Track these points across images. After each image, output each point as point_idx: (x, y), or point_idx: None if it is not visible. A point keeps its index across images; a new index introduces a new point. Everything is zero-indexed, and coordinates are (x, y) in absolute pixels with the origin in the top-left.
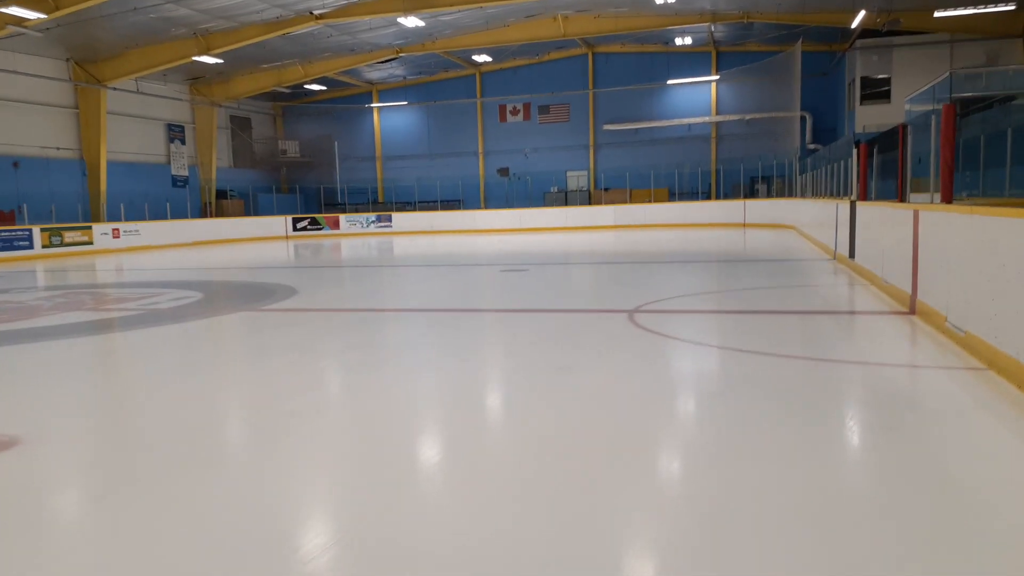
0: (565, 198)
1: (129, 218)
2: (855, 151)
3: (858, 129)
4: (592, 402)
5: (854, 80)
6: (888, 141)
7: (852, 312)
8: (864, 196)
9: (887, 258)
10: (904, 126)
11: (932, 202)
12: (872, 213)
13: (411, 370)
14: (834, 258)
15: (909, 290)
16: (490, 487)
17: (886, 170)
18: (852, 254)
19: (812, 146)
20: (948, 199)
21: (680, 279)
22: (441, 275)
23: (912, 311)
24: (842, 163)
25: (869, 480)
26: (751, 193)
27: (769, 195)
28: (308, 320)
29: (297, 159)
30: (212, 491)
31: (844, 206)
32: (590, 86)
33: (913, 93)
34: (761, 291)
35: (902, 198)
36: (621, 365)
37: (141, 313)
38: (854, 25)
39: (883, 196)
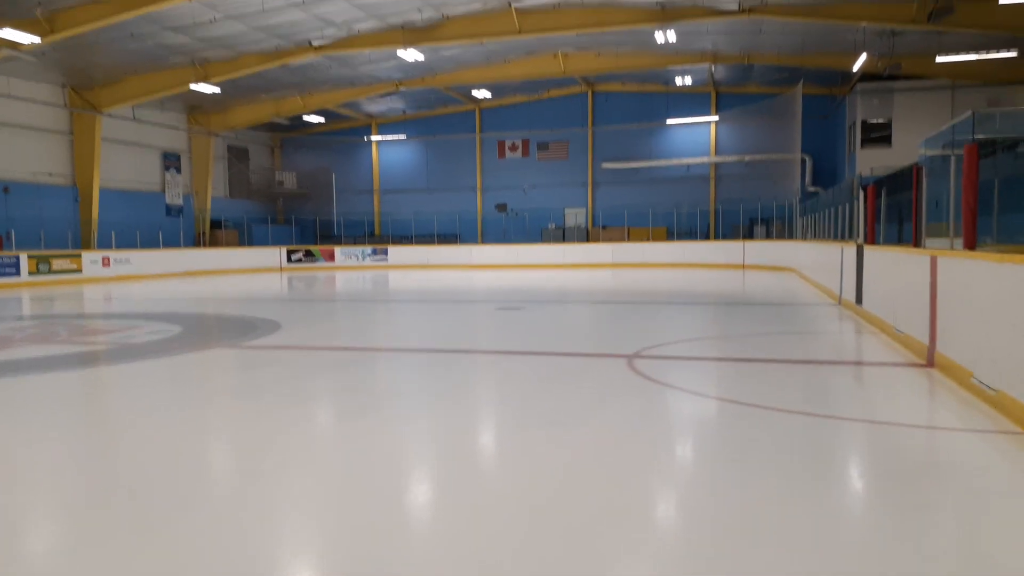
0: (563, 235)
1: (121, 246)
2: (862, 193)
3: (859, 172)
4: (584, 464)
5: (855, 123)
6: (897, 183)
7: (864, 363)
8: (872, 240)
9: (900, 306)
10: (919, 167)
11: (952, 248)
12: (882, 258)
13: (386, 421)
14: (839, 303)
15: (926, 341)
16: (466, 562)
17: (894, 213)
18: (859, 300)
19: (812, 188)
20: (971, 245)
21: (680, 322)
22: (433, 312)
23: (930, 364)
24: (847, 206)
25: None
26: (750, 234)
27: (768, 236)
28: (286, 359)
29: (294, 191)
30: (162, 551)
31: (850, 250)
32: (589, 124)
33: (920, 135)
34: (765, 337)
35: (916, 243)
36: (618, 420)
37: (112, 348)
38: (855, 68)
39: (891, 240)
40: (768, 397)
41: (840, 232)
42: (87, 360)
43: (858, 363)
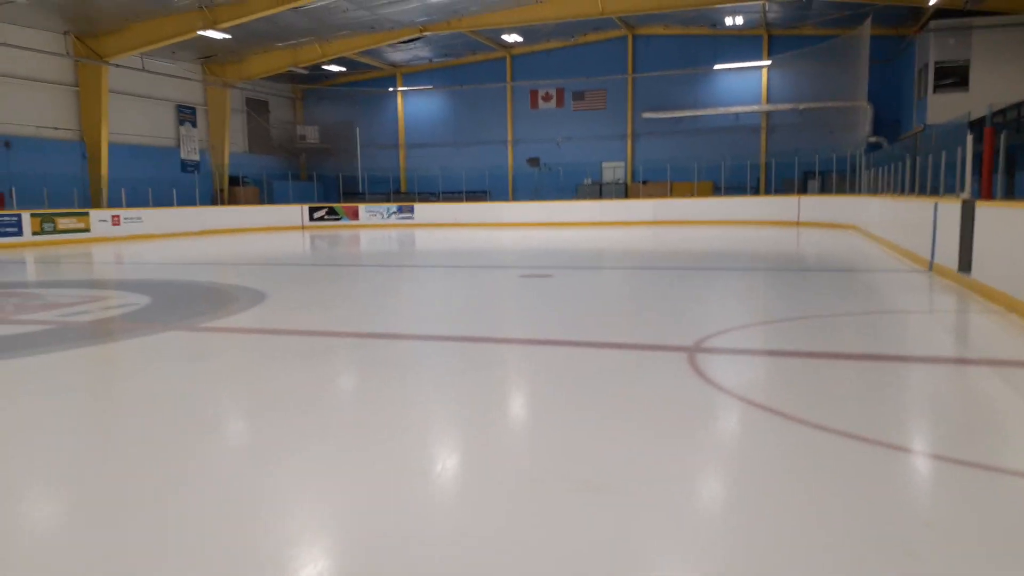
0: (600, 191)
1: (133, 204)
2: (969, 137)
3: (930, 120)
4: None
5: (926, 66)
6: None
7: (1008, 363)
8: (988, 194)
9: None
10: None
11: None
12: (1011, 218)
13: (329, 476)
14: (929, 270)
15: None
16: None
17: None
18: (965, 267)
19: (872, 139)
20: None
21: (743, 296)
22: (449, 280)
23: None
24: (942, 154)
25: None
26: (804, 189)
27: (824, 191)
28: (247, 348)
29: (316, 145)
30: None
31: (950, 206)
32: (629, 70)
33: (1003, 78)
34: (859, 320)
35: None
36: (686, 477)
37: (49, 328)
38: (932, 2)
39: (1011, 195)
40: (900, 427)
41: (926, 185)
42: (4, 348)
43: (1001, 362)
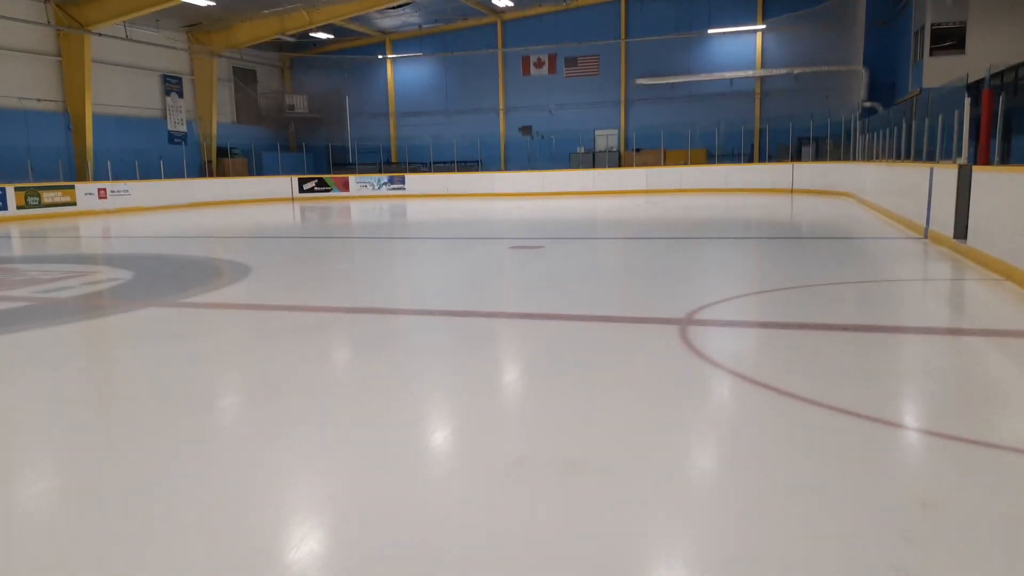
0: (592, 159)
1: (119, 176)
2: (967, 100)
3: (926, 84)
4: (614, 565)
5: (922, 28)
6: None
7: (1005, 332)
8: (986, 159)
9: None
10: None
11: None
12: (1008, 183)
13: (321, 457)
14: (925, 237)
15: None
16: None
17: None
18: (961, 234)
19: (867, 104)
20: None
21: (737, 265)
22: (440, 252)
23: None
24: (939, 118)
25: None
26: (798, 156)
27: (818, 158)
28: (228, 324)
29: (305, 115)
30: None
31: (945, 172)
32: (622, 36)
33: (1000, 39)
34: (853, 289)
35: None
36: (673, 455)
37: (28, 305)
38: None
39: (1008, 160)
40: (895, 402)
41: (922, 150)
42: None
43: (997, 332)
